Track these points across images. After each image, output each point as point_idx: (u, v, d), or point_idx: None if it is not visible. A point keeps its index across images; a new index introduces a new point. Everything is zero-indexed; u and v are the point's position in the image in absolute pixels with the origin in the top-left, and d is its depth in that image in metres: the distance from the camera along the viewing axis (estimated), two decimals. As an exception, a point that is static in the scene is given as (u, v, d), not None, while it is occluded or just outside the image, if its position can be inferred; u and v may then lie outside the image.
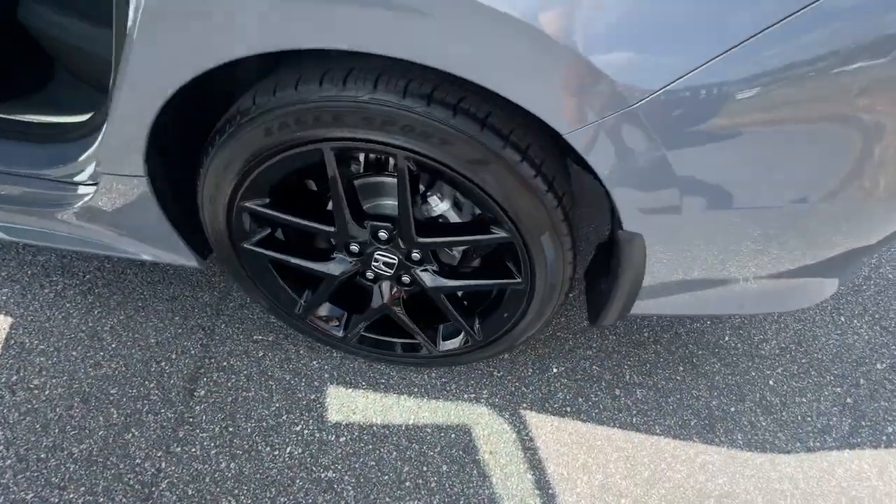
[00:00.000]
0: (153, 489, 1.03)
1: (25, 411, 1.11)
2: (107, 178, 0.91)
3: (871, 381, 1.33)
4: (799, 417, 1.24)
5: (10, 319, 1.26)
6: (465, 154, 0.71)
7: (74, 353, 1.22)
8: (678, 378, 1.30)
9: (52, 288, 1.34)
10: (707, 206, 0.70)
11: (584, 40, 0.57)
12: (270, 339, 1.31)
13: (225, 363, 1.24)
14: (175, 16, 0.66)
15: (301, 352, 1.29)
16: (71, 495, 1.01)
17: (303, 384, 1.22)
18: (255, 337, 1.31)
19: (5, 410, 1.11)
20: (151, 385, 1.18)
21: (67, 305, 1.31)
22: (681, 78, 0.57)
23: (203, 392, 1.19)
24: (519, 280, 0.91)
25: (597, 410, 1.23)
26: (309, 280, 1.13)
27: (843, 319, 1.47)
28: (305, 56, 0.73)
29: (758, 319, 1.47)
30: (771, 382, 1.31)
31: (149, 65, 0.72)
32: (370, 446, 1.13)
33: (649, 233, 0.75)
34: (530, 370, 1.30)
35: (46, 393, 1.14)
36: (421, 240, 0.88)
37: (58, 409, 1.12)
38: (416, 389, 1.24)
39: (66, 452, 1.06)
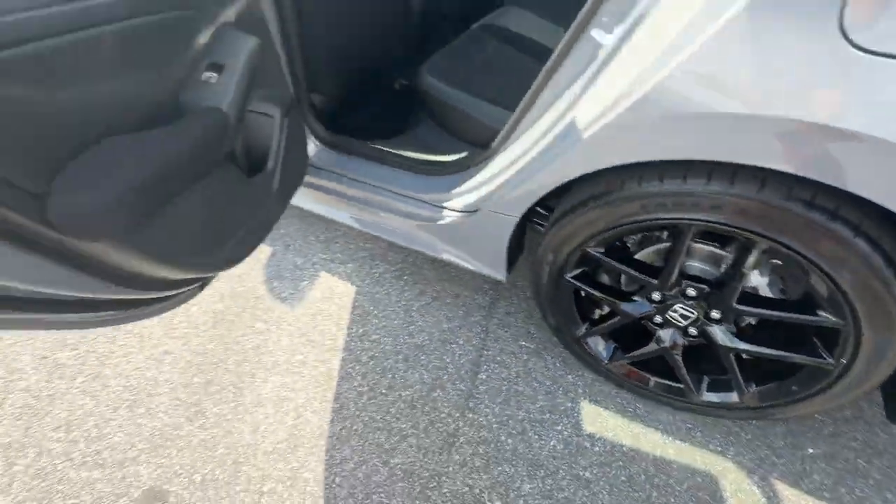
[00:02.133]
0: (454, 440, 1.38)
1: (371, 357, 1.58)
2: (484, 212, 1.27)
3: None
4: None
5: (354, 288, 1.78)
6: (827, 250, 0.84)
7: (396, 322, 1.67)
8: (971, 503, 1.18)
9: (376, 270, 1.84)
10: None
11: None
12: (532, 346, 1.59)
13: (499, 358, 1.56)
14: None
15: (557, 364, 1.54)
16: (402, 425, 1.41)
17: (560, 392, 1.46)
18: (520, 342, 1.60)
19: (358, 352, 1.59)
20: (448, 360, 1.56)
21: (387, 285, 1.79)
22: None
23: (484, 376, 1.52)
24: (829, 361, 0.98)
25: (861, 506, 1.20)
26: (596, 311, 1.36)
27: None
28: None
29: None
30: None
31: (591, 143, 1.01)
32: (621, 462, 1.31)
33: None
34: (782, 442, 1.32)
35: (381, 347, 1.60)
36: (739, 307, 1.03)
37: (388, 361, 1.57)
38: (661, 426, 1.37)
39: (397, 394, 1.48)
